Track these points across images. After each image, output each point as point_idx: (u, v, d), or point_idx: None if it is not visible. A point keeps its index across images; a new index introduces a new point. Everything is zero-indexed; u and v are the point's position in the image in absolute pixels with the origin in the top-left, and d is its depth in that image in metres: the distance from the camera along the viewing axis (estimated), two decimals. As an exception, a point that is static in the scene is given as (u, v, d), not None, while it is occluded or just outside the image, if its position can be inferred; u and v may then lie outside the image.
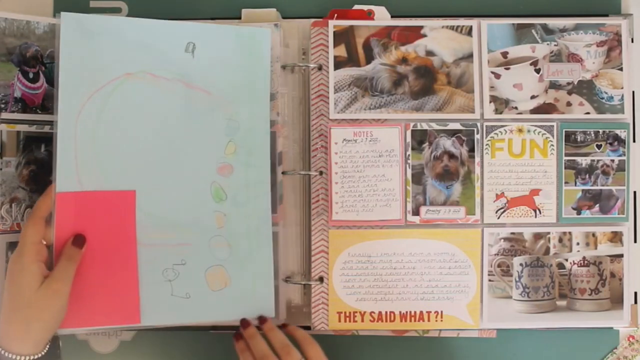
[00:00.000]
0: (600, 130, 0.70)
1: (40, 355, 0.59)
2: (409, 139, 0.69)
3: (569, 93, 0.70)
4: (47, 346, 0.60)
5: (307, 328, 0.69)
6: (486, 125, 0.69)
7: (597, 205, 0.70)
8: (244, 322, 0.66)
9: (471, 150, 0.69)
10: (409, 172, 0.69)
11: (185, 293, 0.65)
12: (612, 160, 0.70)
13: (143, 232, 0.64)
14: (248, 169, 0.67)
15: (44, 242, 0.61)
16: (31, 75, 0.67)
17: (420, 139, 0.69)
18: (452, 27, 0.70)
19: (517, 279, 0.69)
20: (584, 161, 0.70)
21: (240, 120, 0.67)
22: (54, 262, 0.61)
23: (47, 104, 0.68)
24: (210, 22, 0.70)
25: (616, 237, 0.70)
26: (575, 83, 0.70)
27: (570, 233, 0.70)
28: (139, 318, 0.64)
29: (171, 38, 0.65)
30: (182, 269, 0.65)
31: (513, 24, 0.70)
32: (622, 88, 0.70)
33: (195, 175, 0.66)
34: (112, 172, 0.64)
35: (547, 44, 0.70)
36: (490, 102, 0.69)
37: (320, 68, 0.69)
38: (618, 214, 0.70)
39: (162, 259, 0.65)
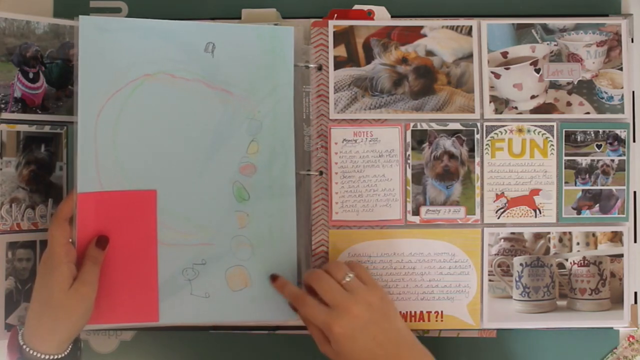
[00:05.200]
0: (600, 130, 0.70)
1: (62, 355, 0.60)
2: (409, 139, 0.69)
3: (569, 93, 0.70)
4: (70, 347, 0.61)
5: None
6: (486, 125, 0.69)
7: (597, 205, 0.70)
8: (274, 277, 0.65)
9: (471, 150, 0.69)
10: (409, 172, 0.69)
11: (205, 293, 0.65)
12: (612, 160, 0.70)
13: (164, 232, 0.64)
14: (272, 168, 0.67)
15: (71, 241, 0.62)
16: (31, 75, 0.67)
17: (420, 139, 0.69)
18: (452, 27, 0.70)
19: (517, 279, 0.69)
20: (584, 161, 0.70)
21: (263, 120, 0.66)
22: (78, 264, 0.61)
23: (47, 104, 0.68)
24: (211, 22, 0.70)
25: (616, 237, 0.70)
26: (575, 83, 0.70)
27: (570, 233, 0.70)
28: (157, 316, 0.64)
29: (190, 38, 0.65)
30: (202, 269, 0.65)
31: (513, 24, 0.70)
32: (622, 88, 0.70)
33: (217, 175, 0.65)
34: (132, 172, 0.64)
35: (547, 44, 0.70)
36: (490, 102, 0.69)
37: (320, 68, 0.69)
38: (618, 214, 0.70)
39: (183, 258, 0.65)
